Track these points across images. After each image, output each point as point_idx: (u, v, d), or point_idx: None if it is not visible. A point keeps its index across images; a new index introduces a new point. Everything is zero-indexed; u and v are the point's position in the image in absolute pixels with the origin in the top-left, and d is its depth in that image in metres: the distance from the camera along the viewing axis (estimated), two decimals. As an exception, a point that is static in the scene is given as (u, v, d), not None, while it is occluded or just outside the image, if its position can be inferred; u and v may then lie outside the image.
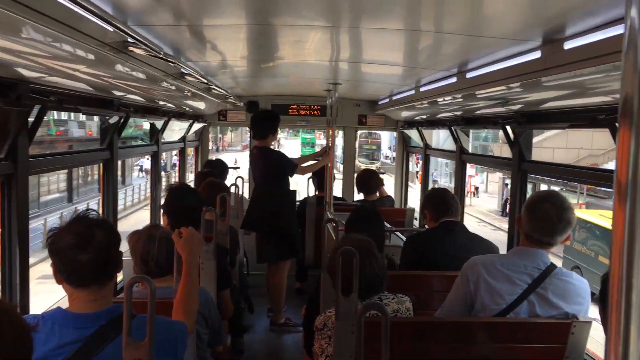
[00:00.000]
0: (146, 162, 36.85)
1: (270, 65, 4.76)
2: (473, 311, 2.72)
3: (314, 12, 2.66)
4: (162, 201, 4.04)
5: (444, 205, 3.79)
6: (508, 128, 4.09)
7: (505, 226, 25.61)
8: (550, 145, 28.65)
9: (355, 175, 6.98)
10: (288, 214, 5.79)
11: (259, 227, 5.81)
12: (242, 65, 4.70)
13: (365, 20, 2.75)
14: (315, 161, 6.24)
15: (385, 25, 2.78)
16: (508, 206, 27.60)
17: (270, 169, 5.75)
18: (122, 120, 4.32)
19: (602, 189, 21.21)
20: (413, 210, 6.39)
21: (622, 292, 0.73)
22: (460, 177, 5.59)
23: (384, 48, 3.52)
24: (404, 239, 4.87)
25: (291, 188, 6.01)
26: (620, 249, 0.73)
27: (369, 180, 6.33)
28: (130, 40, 2.43)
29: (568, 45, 2.27)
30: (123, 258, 2.17)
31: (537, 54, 2.52)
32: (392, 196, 7.06)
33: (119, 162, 4.73)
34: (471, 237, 3.78)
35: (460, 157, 5.50)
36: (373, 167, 34.08)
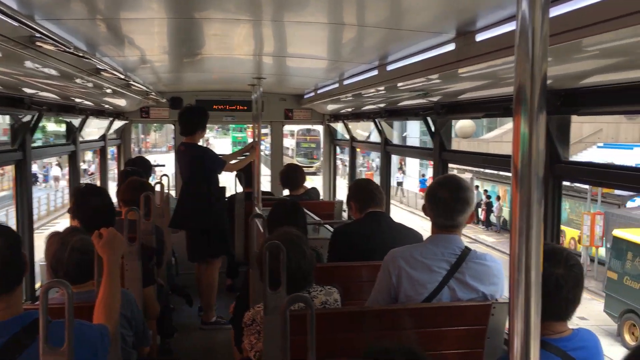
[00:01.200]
0: (55, 169, 33.97)
1: (192, 60, 4.67)
2: (397, 302, 2.78)
3: (236, 5, 2.63)
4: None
5: (368, 196, 3.84)
6: (429, 119, 4.20)
7: (489, 240, 24.34)
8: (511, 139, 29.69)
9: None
10: (218, 211, 5.71)
11: (188, 225, 5.70)
12: (163, 60, 4.59)
13: (288, 14, 2.75)
14: (244, 157, 6.19)
15: (308, 18, 2.79)
16: (482, 212, 25.59)
17: (198, 165, 5.64)
18: (34, 119, 4.12)
19: (618, 192, 18.97)
20: (341, 202, 6.44)
21: (521, 271, 0.76)
22: (385, 167, 5.70)
23: (308, 41, 3.53)
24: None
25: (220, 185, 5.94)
26: (519, 231, 0.76)
27: (293, 175, 6.24)
28: (37, 35, 2.32)
29: (480, 37, 2.35)
30: (41, 263, 2.08)
31: (451, 46, 2.60)
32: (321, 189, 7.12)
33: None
34: (397, 226, 3.85)
35: (385, 149, 5.61)
36: (313, 167, 32.53)
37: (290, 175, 6.19)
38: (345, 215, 6.51)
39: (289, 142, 39.56)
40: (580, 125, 25.41)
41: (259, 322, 2.74)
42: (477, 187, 27.00)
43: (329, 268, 3.59)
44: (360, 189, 3.91)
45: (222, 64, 4.94)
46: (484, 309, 2.69)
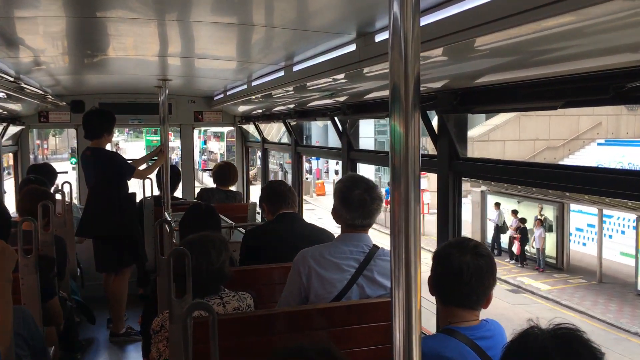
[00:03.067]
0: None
1: (94, 61, 4.47)
2: (308, 302, 2.79)
3: (139, 3, 2.53)
4: None
5: (280, 197, 3.83)
6: (336, 119, 4.24)
7: (540, 288, 16.52)
8: (500, 137, 23.54)
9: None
10: (128, 217, 5.51)
11: (97, 232, 5.47)
12: (61, 61, 4.36)
13: (193, 14, 2.68)
14: (152, 162, 6.01)
15: (214, 19, 2.73)
16: (515, 243, 19.67)
17: (106, 171, 5.43)
18: None
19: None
20: (255, 204, 6.39)
21: (401, 268, 0.77)
22: (297, 169, 5.71)
23: (215, 42, 3.47)
24: (246, 234, 4.85)
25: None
26: (398, 227, 0.77)
27: (228, 172, 6.39)
28: None
29: (379, 37, 2.40)
30: None
31: (352, 47, 2.63)
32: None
33: None
34: (308, 226, 3.86)
35: (295, 150, 5.62)
36: (251, 174, 32.02)
37: (225, 171, 6.40)
38: (259, 218, 6.48)
39: (216, 146, 38.92)
40: (577, 118, 23.11)
41: (167, 328, 2.66)
42: (498, 204, 20.03)
43: (241, 272, 3.54)
44: (272, 191, 3.90)
45: (126, 65, 4.76)
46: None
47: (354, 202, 2.75)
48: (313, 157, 30.71)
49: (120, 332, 5.64)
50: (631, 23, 1.42)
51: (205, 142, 39.81)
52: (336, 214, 2.85)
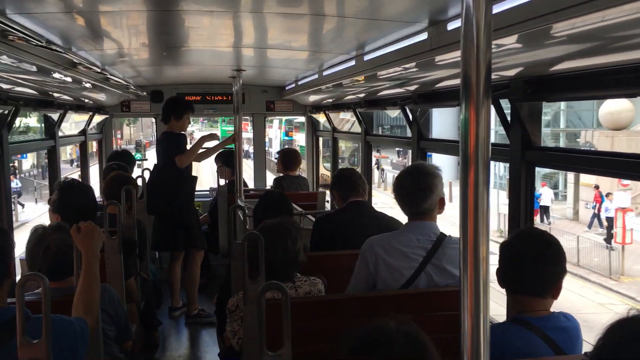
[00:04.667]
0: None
1: (172, 53, 4.65)
2: (376, 290, 2.82)
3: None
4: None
5: (351, 185, 3.88)
6: (407, 108, 4.23)
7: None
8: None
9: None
10: (180, 198, 5.66)
11: (149, 210, 5.60)
12: (142, 53, 4.56)
13: (267, 5, 2.75)
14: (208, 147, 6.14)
15: (287, 10, 2.80)
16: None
17: (164, 151, 5.66)
18: (11, 113, 4.08)
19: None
20: (324, 193, 6.48)
21: (470, 254, 0.79)
22: (365, 158, 5.74)
23: (287, 33, 3.54)
24: (316, 221, 4.93)
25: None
26: (466, 213, 0.79)
27: (294, 157, 6.60)
28: (9, 29, 2.31)
29: (451, 25, 2.38)
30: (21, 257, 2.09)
31: (424, 36, 2.63)
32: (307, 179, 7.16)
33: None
34: (378, 215, 3.89)
35: (365, 139, 5.64)
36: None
37: (290, 157, 6.59)
38: (328, 206, 6.55)
39: (301, 138, 38.49)
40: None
41: (242, 308, 2.77)
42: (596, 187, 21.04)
43: (311, 258, 3.61)
44: (343, 179, 3.95)
45: (202, 57, 4.93)
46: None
47: (401, 190, 2.82)
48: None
49: (192, 313, 5.82)
50: None
51: (286, 134, 37.55)
52: (400, 206, 2.88)
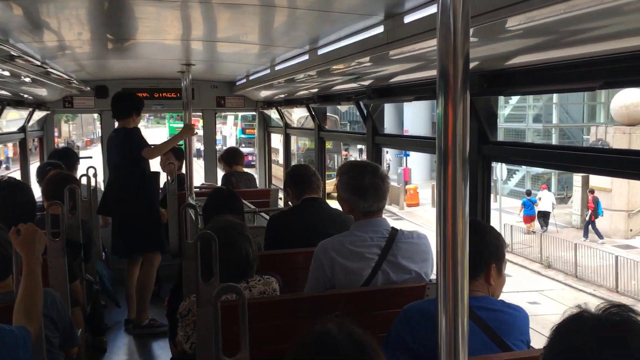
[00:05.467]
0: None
1: (117, 46, 4.47)
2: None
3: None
4: None
5: (305, 182, 3.81)
6: (361, 103, 4.20)
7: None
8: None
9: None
10: (150, 196, 5.41)
11: (117, 211, 5.37)
12: (85, 46, 4.37)
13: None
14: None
15: (237, 0, 2.70)
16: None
17: (124, 148, 5.31)
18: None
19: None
20: (277, 190, 6.41)
21: (448, 249, 0.74)
22: (319, 154, 5.69)
23: (238, 26, 3.44)
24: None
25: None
26: (444, 210, 0.74)
27: (237, 154, 6.69)
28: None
29: (408, 18, 2.34)
30: None
31: (380, 29, 2.58)
32: (257, 177, 7.06)
33: None
34: (333, 212, 3.84)
35: (319, 135, 5.59)
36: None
37: (232, 154, 6.66)
38: (281, 203, 6.48)
39: (228, 131, 36.79)
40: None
41: (195, 312, 2.67)
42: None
43: (265, 256, 3.54)
44: (297, 176, 3.88)
45: (149, 50, 4.76)
46: (419, 290, 2.71)
47: (368, 189, 2.73)
48: (398, 152, 26.34)
49: (143, 323, 5.50)
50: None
51: (243, 131, 33.88)
52: (349, 205, 2.82)
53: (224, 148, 8.06)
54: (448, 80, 0.75)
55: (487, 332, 2.09)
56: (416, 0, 2.23)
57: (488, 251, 2.17)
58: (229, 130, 36.43)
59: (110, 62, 5.64)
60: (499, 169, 22.43)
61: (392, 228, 2.79)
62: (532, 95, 24.28)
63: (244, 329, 1.69)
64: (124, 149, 5.33)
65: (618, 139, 19.25)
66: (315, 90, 5.05)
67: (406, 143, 3.99)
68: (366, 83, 3.89)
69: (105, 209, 5.42)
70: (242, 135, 33.89)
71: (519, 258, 19.08)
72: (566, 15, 1.61)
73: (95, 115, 7.31)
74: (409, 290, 2.73)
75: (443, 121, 0.74)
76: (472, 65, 2.59)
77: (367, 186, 2.74)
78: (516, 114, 29.14)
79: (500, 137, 28.59)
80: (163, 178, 5.83)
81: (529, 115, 28.41)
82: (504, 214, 22.91)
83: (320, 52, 3.49)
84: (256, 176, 7.25)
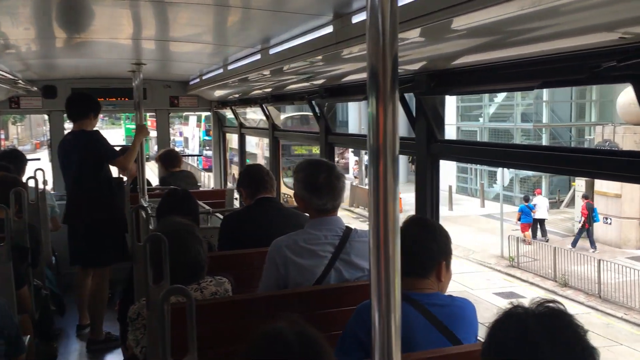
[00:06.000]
0: None
1: (65, 44, 4.36)
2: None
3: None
4: None
5: (258, 182, 3.80)
6: (314, 103, 4.21)
7: None
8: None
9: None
10: (117, 205, 5.23)
11: (85, 218, 5.12)
12: (32, 45, 4.25)
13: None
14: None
15: (189, -1, 2.67)
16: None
17: (91, 152, 5.08)
18: None
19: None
20: (232, 190, 6.37)
21: (381, 247, 0.76)
22: (274, 153, 5.68)
23: (190, 25, 3.41)
24: (224, 220, 4.80)
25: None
26: (376, 208, 0.76)
27: (175, 155, 6.56)
28: None
29: (356, 19, 2.36)
30: None
31: (329, 29, 2.60)
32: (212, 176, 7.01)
33: None
34: (287, 211, 3.84)
35: (273, 134, 5.59)
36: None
37: (169, 157, 6.49)
38: (237, 203, 6.44)
39: (190, 133, 35.33)
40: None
41: (145, 316, 2.63)
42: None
43: (219, 257, 3.51)
44: (250, 175, 3.87)
45: (99, 49, 4.66)
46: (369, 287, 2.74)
47: (323, 187, 2.75)
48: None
49: (99, 338, 5.26)
50: (605, 2, 1.42)
51: (207, 133, 33.00)
52: (304, 202, 2.83)
53: (187, 151, 7.93)
54: (378, 80, 0.76)
55: (439, 328, 2.14)
56: (363, 1, 2.25)
57: (438, 249, 2.22)
58: (192, 132, 35.34)
59: (58, 62, 5.50)
60: (500, 173, 21.15)
61: (347, 227, 2.82)
62: (520, 93, 23.41)
63: (191, 330, 1.68)
64: (89, 155, 5.10)
65: (629, 140, 17.37)
66: (269, 89, 5.04)
67: (359, 143, 4.02)
68: (319, 82, 3.90)
69: (72, 217, 5.18)
70: (206, 137, 31.85)
71: (527, 274, 16.84)
72: (508, 16, 1.66)
73: (46, 116, 7.10)
74: (360, 288, 2.75)
75: (373, 120, 0.76)
76: (419, 65, 2.65)
77: (321, 184, 2.76)
78: (502, 113, 27.31)
79: (485, 138, 26.46)
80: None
81: (517, 114, 26.17)
82: (492, 220, 21.46)
83: (272, 51, 3.49)
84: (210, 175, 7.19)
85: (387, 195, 0.75)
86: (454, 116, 27.75)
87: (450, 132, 26.05)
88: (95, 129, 5.37)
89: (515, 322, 1.41)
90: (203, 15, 3.06)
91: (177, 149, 10.84)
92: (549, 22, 1.71)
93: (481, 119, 27.86)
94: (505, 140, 25.21)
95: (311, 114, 4.99)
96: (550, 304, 1.42)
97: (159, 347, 2.12)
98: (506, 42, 2.03)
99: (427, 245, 2.20)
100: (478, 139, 25.07)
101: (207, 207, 4.84)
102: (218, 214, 4.93)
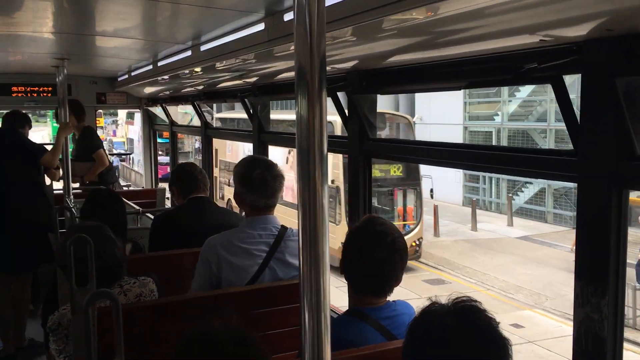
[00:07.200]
0: None
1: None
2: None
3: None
4: None
5: (191, 180, 3.72)
6: (246, 101, 4.18)
7: None
8: None
9: None
10: (49, 207, 4.91)
11: (24, 223, 4.84)
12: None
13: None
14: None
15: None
16: None
17: (19, 155, 4.84)
18: None
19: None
20: (164, 190, 6.22)
21: (308, 246, 0.76)
22: (207, 151, 5.60)
23: (117, 19, 3.30)
24: (155, 219, 4.68)
25: None
26: (304, 206, 0.75)
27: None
28: None
29: (287, 16, 2.36)
30: None
31: (261, 26, 2.58)
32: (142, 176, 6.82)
33: None
34: (220, 211, 3.79)
35: (205, 132, 5.50)
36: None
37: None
38: (169, 203, 6.30)
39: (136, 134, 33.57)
40: None
41: (66, 325, 2.52)
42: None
43: (147, 258, 3.42)
44: (183, 174, 3.78)
45: (18, 43, 4.43)
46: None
47: (256, 183, 2.71)
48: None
49: (24, 345, 5.01)
50: (527, 5, 1.47)
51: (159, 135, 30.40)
52: (239, 197, 2.80)
53: (132, 156, 7.62)
54: (306, 79, 0.76)
55: (391, 339, 2.11)
56: (295, -2, 2.25)
57: (402, 268, 2.13)
58: (139, 133, 33.60)
59: (-26, 56, 5.20)
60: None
61: (282, 226, 2.80)
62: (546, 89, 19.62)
63: (118, 335, 1.62)
64: (17, 156, 4.85)
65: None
66: (202, 87, 4.95)
67: (290, 141, 4.02)
68: (251, 80, 3.87)
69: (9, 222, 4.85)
70: (159, 140, 31.21)
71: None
72: (436, 17, 1.70)
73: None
74: (295, 287, 2.74)
75: (301, 119, 0.75)
76: (350, 64, 2.68)
77: (254, 179, 2.71)
78: (523, 113, 23.30)
79: (504, 141, 21.90)
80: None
81: (551, 111, 21.37)
82: (533, 244, 17.43)
83: (204, 48, 3.43)
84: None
85: (316, 193, 0.75)
86: (459, 115, 24.73)
87: (455, 134, 23.00)
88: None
89: (433, 319, 1.44)
90: (131, 8, 2.97)
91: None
92: (476, 24, 1.76)
93: (497, 118, 23.93)
94: (532, 146, 21.18)
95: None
96: (464, 300, 1.47)
97: (85, 353, 2.05)
98: (435, 43, 2.07)
99: (400, 269, 2.10)
100: (494, 142, 22.68)
101: (137, 207, 4.71)
102: (149, 214, 4.80)
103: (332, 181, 14.14)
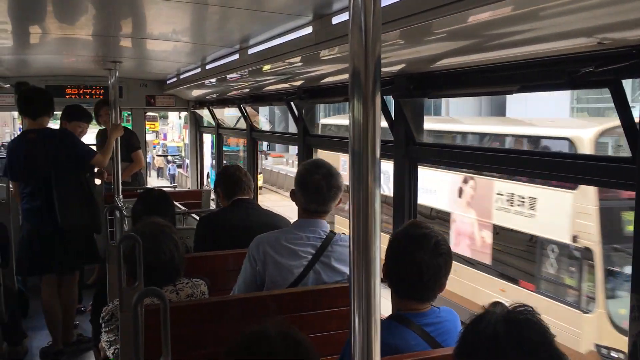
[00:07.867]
0: None
1: (39, 41, 4.28)
2: (264, 289, 2.75)
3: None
4: None
5: (236, 183, 3.77)
6: (292, 104, 4.20)
7: None
8: None
9: None
10: (95, 208, 5.02)
11: (50, 226, 4.76)
12: (4, 40, 4.15)
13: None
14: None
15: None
16: None
17: (63, 153, 4.77)
18: None
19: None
20: (209, 191, 6.32)
21: (360, 251, 0.75)
22: (252, 155, 5.65)
23: (167, 23, 3.36)
24: (201, 221, 4.75)
25: None
26: (357, 211, 0.74)
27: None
28: None
29: (336, 20, 2.35)
30: None
31: (309, 29, 2.59)
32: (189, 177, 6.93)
33: None
34: (264, 213, 3.81)
35: (251, 135, 5.56)
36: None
37: None
38: (213, 205, 6.39)
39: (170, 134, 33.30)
40: None
41: (119, 317, 2.58)
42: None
43: (194, 258, 3.47)
44: (227, 177, 3.83)
45: (74, 46, 4.58)
46: (347, 290, 2.73)
47: (310, 187, 2.72)
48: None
49: (72, 340, 5.03)
50: (584, 7, 1.43)
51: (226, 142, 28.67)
52: (294, 195, 2.82)
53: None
54: (360, 81, 0.75)
55: (435, 347, 2.08)
56: (343, 2, 2.24)
57: (446, 273, 2.08)
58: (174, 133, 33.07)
59: (32, 58, 5.39)
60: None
61: (330, 231, 2.80)
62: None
63: (165, 333, 1.65)
64: (64, 155, 4.80)
65: None
66: (247, 90, 5.00)
67: (337, 144, 4.02)
68: (297, 83, 3.89)
69: (39, 223, 4.80)
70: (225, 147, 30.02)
71: None
72: (488, 19, 1.67)
73: (15, 114, 6.93)
74: (339, 291, 2.73)
75: (355, 122, 0.74)
76: (398, 68, 2.65)
77: (310, 183, 2.72)
78: None
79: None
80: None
81: None
82: None
83: (251, 51, 3.46)
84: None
85: (368, 197, 0.74)
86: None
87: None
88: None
89: (486, 326, 1.42)
90: (182, 12, 3.02)
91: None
92: (529, 26, 1.72)
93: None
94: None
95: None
96: (520, 309, 1.43)
97: (132, 349, 2.08)
98: (486, 46, 2.03)
99: (444, 275, 2.06)
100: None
101: (183, 208, 4.79)
102: (194, 215, 4.87)
103: (575, 238, 8.10)
